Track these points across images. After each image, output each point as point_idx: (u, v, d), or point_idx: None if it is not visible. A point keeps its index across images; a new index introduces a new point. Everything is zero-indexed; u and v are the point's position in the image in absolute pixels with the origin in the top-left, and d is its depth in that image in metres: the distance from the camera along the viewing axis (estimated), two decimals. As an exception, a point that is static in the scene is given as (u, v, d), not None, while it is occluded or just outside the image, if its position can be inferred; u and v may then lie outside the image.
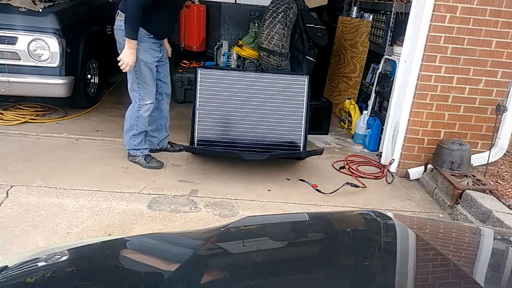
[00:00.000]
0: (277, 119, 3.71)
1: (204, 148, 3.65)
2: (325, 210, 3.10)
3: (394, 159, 3.84)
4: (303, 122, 3.72)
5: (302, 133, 3.72)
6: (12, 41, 3.98)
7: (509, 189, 3.50)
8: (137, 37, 3.19)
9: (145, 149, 3.59)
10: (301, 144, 3.72)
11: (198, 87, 3.68)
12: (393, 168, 3.85)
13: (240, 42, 5.45)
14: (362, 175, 3.76)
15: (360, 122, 4.49)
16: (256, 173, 3.60)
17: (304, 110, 3.73)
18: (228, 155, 3.68)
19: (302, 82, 3.77)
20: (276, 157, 3.67)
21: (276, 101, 3.72)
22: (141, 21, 3.15)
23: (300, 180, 3.55)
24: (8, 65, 4.00)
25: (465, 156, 3.43)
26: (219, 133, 3.66)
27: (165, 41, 3.64)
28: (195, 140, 3.63)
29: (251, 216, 1.49)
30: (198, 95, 3.67)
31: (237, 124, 3.69)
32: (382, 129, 4.26)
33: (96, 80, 4.96)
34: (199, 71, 3.71)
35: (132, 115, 3.45)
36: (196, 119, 3.65)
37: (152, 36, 3.32)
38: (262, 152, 3.62)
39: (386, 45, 4.44)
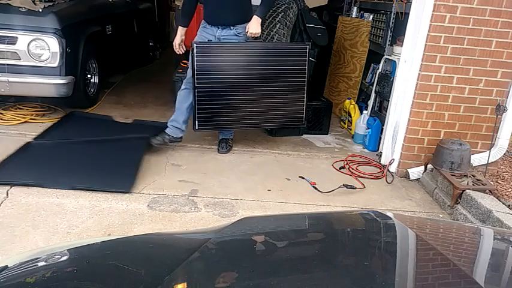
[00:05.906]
0: (280, 88, 3.89)
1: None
2: (325, 210, 3.10)
3: (394, 159, 3.84)
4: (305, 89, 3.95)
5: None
6: (12, 41, 3.98)
7: (509, 189, 3.50)
8: None
9: None
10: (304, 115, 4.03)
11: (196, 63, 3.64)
12: (393, 168, 3.85)
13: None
14: (362, 175, 3.76)
15: (360, 122, 4.49)
16: (256, 173, 3.61)
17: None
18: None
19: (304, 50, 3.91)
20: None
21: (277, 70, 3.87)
22: None
23: (299, 177, 3.57)
24: (8, 65, 3.99)
25: (465, 156, 3.43)
26: (219, 107, 3.81)
27: None
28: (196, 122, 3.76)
29: (251, 216, 1.48)
30: (196, 69, 3.64)
31: (237, 95, 3.81)
32: (382, 129, 4.26)
33: (96, 80, 4.95)
34: (195, 45, 3.64)
35: None
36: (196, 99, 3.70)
37: None
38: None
39: (386, 45, 4.44)
